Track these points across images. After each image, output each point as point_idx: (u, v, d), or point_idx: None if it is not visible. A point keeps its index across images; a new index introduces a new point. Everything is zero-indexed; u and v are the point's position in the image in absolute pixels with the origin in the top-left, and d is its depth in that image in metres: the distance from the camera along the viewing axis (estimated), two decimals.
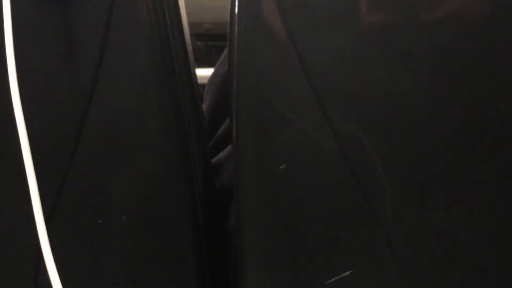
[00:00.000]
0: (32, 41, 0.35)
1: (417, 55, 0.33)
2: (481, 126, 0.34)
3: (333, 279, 0.38)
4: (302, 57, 0.33)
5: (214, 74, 0.55)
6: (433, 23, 0.32)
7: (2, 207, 0.40)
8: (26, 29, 0.35)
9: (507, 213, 0.36)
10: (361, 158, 0.35)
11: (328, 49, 0.33)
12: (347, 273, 0.37)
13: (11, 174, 0.38)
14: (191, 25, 0.40)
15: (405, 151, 0.35)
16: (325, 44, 0.33)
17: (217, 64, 0.54)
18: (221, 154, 0.49)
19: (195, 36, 1.25)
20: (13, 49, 0.33)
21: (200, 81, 0.42)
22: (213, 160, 0.49)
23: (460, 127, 0.34)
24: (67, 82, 0.36)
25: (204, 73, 0.69)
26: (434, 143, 0.35)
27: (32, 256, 0.40)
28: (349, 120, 0.34)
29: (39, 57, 0.36)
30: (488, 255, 0.37)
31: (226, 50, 0.49)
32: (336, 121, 0.34)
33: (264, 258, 0.39)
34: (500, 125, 0.34)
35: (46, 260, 0.32)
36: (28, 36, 0.35)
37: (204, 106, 0.54)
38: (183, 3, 0.39)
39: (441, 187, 0.35)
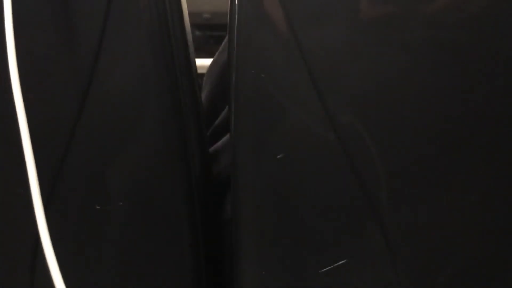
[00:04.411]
0: (31, 26, 0.35)
1: (417, 47, 0.33)
2: (481, 119, 0.34)
3: (328, 268, 0.38)
4: (302, 47, 0.33)
5: (213, 64, 0.54)
6: (433, 15, 0.32)
7: (1, 192, 0.40)
8: (26, 14, 0.35)
9: (502, 205, 0.36)
10: (358, 149, 0.35)
11: (328, 40, 0.33)
12: (341, 262, 0.38)
13: (9, 159, 0.38)
14: (190, 15, 0.40)
15: (402, 143, 0.35)
16: (326, 35, 0.33)
17: (217, 53, 0.54)
18: (219, 143, 0.49)
19: (194, 26, 1.25)
20: (13, 34, 0.33)
21: (198, 70, 0.42)
22: (211, 148, 0.49)
23: (459, 120, 0.34)
24: (66, 68, 0.36)
25: (203, 62, 0.69)
26: (432, 135, 0.35)
27: (30, 241, 0.40)
28: (347, 111, 0.35)
29: (39, 42, 0.36)
30: (483, 246, 0.37)
31: (225, 40, 0.49)
32: (334, 112, 0.35)
33: (259, 246, 0.40)
34: (500, 118, 0.34)
35: (44, 244, 0.33)
36: (27, 21, 0.35)
37: (203, 95, 0.54)
38: None
39: (437, 178, 0.36)
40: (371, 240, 0.37)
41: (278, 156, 0.36)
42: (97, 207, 0.39)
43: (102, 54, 0.35)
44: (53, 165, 0.38)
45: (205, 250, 0.42)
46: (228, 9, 0.35)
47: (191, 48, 0.40)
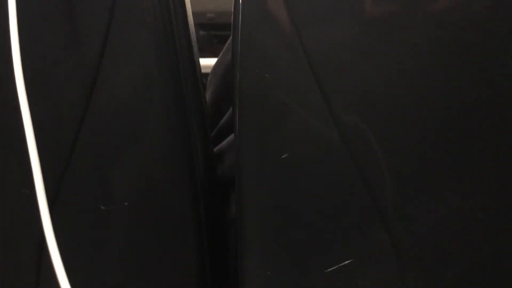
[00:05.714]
0: (36, 26, 0.35)
1: (421, 46, 0.33)
2: (484, 119, 0.34)
3: (333, 268, 0.38)
4: (306, 47, 0.33)
5: (217, 64, 0.54)
6: (437, 15, 0.32)
7: (6, 193, 0.40)
8: (30, 13, 0.35)
9: (508, 205, 0.36)
10: (362, 148, 0.35)
11: (332, 39, 0.33)
12: (346, 262, 0.38)
13: (15, 160, 0.38)
14: (194, 14, 0.40)
15: (407, 142, 0.35)
16: (330, 34, 0.33)
17: (221, 53, 0.54)
18: (224, 142, 0.49)
19: (198, 25, 1.25)
20: (17, 34, 0.33)
21: (202, 70, 0.42)
22: (216, 148, 0.49)
23: (463, 119, 0.34)
24: (70, 69, 0.36)
25: (207, 62, 0.69)
26: (436, 134, 0.35)
27: (35, 241, 0.40)
28: (351, 110, 0.35)
29: (43, 42, 0.36)
30: (489, 246, 0.37)
31: (229, 40, 0.49)
32: (338, 112, 0.34)
33: (264, 246, 0.39)
34: (505, 119, 0.34)
35: (49, 244, 0.33)
36: (32, 20, 0.35)
37: (207, 95, 0.54)
38: None
39: (442, 178, 0.36)
40: (377, 240, 0.37)
41: (282, 156, 0.36)
42: (102, 207, 0.39)
43: (106, 54, 0.35)
44: (58, 166, 0.38)
45: (210, 250, 0.42)
46: (232, 9, 0.35)
47: (195, 48, 0.40)
